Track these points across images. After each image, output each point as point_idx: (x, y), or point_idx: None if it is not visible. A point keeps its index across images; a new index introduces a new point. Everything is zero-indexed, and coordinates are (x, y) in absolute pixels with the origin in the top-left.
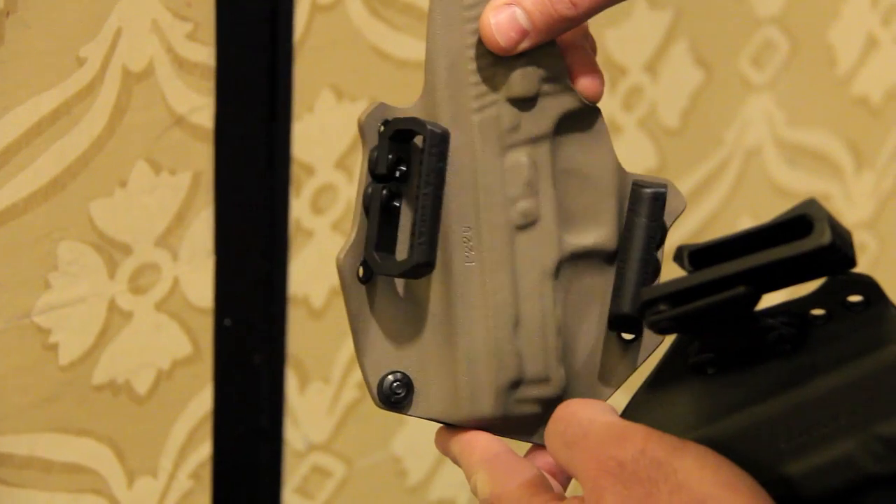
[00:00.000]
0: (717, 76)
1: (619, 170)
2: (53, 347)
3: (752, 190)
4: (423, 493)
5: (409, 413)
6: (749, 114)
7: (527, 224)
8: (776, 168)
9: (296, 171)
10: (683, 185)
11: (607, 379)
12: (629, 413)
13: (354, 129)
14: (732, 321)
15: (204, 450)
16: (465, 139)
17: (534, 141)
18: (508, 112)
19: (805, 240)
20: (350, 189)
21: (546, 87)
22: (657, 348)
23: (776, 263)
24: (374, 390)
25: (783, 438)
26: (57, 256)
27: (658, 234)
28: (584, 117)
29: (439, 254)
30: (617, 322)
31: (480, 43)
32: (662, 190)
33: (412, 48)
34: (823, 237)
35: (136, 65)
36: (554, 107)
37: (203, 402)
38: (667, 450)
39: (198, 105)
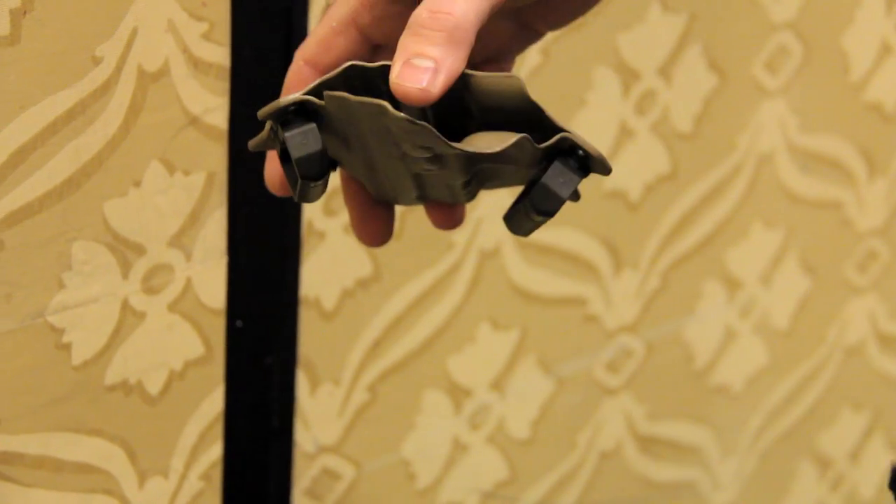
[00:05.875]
0: (730, 81)
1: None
2: (66, 347)
3: (764, 196)
4: (433, 497)
5: None
6: (762, 119)
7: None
8: (789, 174)
9: None
10: (696, 189)
11: None
12: None
13: None
14: None
15: (215, 451)
16: None
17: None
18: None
19: None
20: None
21: None
22: None
23: None
24: None
25: None
26: (71, 256)
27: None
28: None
29: None
30: None
31: None
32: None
33: None
34: None
35: (151, 65)
36: None
37: (214, 402)
38: None
39: (212, 106)
